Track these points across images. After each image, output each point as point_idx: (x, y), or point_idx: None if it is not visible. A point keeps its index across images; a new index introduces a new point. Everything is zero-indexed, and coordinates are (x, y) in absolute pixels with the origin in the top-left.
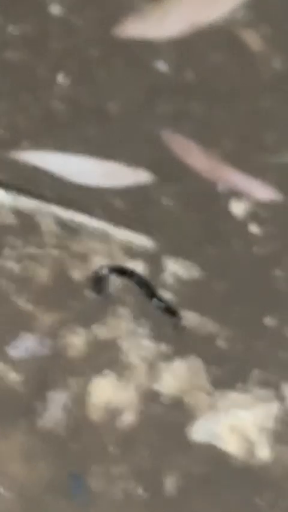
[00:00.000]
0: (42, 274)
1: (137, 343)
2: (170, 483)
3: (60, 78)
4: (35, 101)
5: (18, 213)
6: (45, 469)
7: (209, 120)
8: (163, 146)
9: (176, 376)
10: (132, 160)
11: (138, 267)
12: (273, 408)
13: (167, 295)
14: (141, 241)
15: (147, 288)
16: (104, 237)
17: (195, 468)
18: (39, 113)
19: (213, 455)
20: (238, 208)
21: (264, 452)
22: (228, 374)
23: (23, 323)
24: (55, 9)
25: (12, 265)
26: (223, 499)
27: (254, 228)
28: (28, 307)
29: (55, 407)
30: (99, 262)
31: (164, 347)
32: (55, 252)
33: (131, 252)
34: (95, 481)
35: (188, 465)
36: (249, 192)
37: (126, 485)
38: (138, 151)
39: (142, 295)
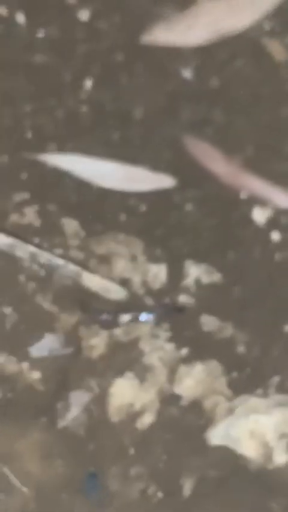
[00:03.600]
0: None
1: (158, 346)
2: (187, 485)
3: (86, 82)
4: (60, 105)
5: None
6: (63, 467)
7: (231, 127)
8: (185, 151)
9: (195, 380)
10: (154, 164)
11: (161, 271)
12: None
13: (187, 298)
14: (114, 290)
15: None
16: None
17: (212, 471)
18: (64, 116)
19: (230, 459)
20: (259, 215)
21: (282, 458)
22: (247, 379)
23: (45, 323)
24: (83, 15)
25: (37, 267)
26: (239, 502)
27: (275, 235)
28: (51, 307)
29: (76, 407)
30: (122, 265)
31: (184, 350)
32: (78, 255)
33: (155, 256)
34: (112, 481)
35: (205, 468)
36: (270, 199)
37: (142, 486)
38: (161, 156)
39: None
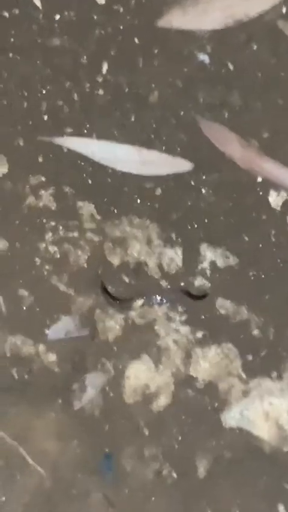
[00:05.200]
0: (82, 258)
1: (173, 329)
2: (201, 466)
3: (102, 65)
4: (76, 88)
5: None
6: (79, 447)
7: (247, 111)
8: (202, 135)
9: (210, 363)
10: (170, 148)
11: (177, 255)
12: None
13: (203, 282)
14: None
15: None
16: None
17: (227, 452)
18: (80, 99)
19: (244, 440)
20: (275, 198)
21: None
22: (262, 362)
23: (61, 306)
24: None
25: (54, 249)
26: (253, 483)
27: None
28: (67, 290)
29: (91, 389)
30: (138, 248)
31: (199, 333)
32: (94, 237)
33: (170, 239)
34: (127, 461)
35: (219, 449)
36: (286, 183)
37: (157, 466)
38: (177, 139)
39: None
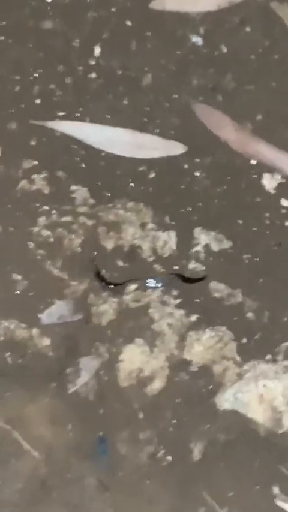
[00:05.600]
0: (75, 242)
1: (167, 313)
2: (196, 449)
3: (95, 48)
4: (69, 71)
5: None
6: (73, 432)
7: (241, 94)
8: (195, 118)
9: (205, 346)
10: (163, 131)
11: (171, 239)
12: None
13: (197, 265)
14: None
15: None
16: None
17: (221, 435)
18: (73, 83)
19: (239, 423)
20: (269, 181)
21: None
22: (256, 345)
23: (55, 290)
24: None
25: (47, 234)
26: (248, 465)
27: (285, 202)
28: (61, 274)
29: (86, 373)
30: (131, 232)
31: (193, 317)
32: (88, 222)
33: (164, 223)
34: (122, 445)
35: (214, 432)
36: (280, 165)
37: (152, 450)
38: (170, 122)
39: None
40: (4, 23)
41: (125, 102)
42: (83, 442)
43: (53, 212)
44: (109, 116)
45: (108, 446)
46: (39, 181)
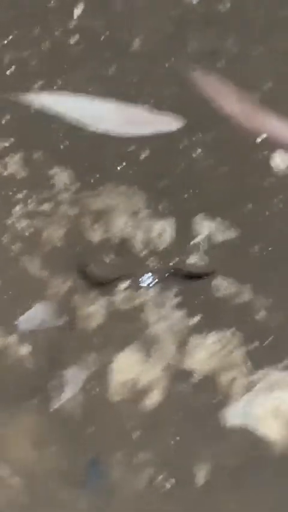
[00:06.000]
0: (56, 234)
1: (165, 315)
2: (201, 473)
3: (75, 8)
4: (46, 35)
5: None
6: (59, 455)
7: (245, 58)
8: (193, 88)
9: (209, 352)
10: (157, 104)
11: (168, 228)
12: None
13: (198, 259)
14: None
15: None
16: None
17: (230, 457)
18: (51, 48)
19: (250, 442)
20: (280, 160)
21: None
22: (269, 350)
23: (34, 291)
24: None
25: (23, 226)
26: (260, 492)
27: None
28: (40, 272)
29: (71, 386)
30: (122, 222)
31: (195, 319)
32: (71, 210)
33: (160, 210)
34: (116, 468)
35: (221, 453)
36: None
37: (150, 474)
38: (165, 93)
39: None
40: None
41: (112, 70)
42: (71, 467)
43: (29, 200)
44: (93, 87)
45: (100, 471)
46: (13, 165)
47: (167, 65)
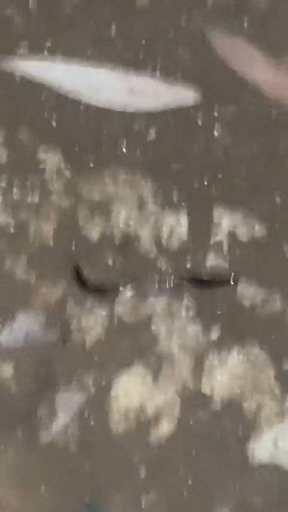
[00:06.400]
0: (46, 230)
1: (178, 327)
2: None
3: None
4: None
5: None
6: (49, 495)
7: (274, 17)
8: (211, 53)
9: (231, 374)
10: (168, 72)
11: (181, 223)
12: None
13: (218, 261)
14: None
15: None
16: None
17: (256, 497)
18: (40, 4)
19: (281, 481)
20: None
21: None
22: None
23: (18, 298)
24: None
25: (6, 220)
26: None
27: None
28: (26, 275)
29: (64, 413)
30: (125, 215)
31: (214, 333)
32: (63, 201)
33: (171, 201)
34: None
35: (246, 493)
36: None
37: None
38: (178, 60)
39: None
40: None
41: (113, 31)
42: (64, 510)
43: (14, 189)
44: (90, 51)
45: None
46: None
47: (179, 25)
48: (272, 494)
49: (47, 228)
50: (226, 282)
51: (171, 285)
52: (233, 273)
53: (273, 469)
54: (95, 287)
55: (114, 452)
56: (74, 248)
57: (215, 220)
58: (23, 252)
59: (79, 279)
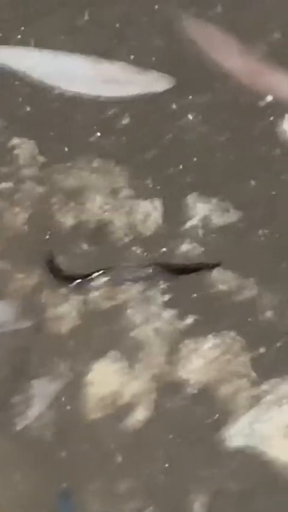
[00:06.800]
0: (19, 218)
1: (152, 314)
2: (197, 503)
3: None
4: None
5: None
6: (24, 483)
7: (248, 4)
8: (185, 39)
9: (206, 359)
10: (140, 59)
11: (154, 210)
12: None
13: (191, 248)
14: None
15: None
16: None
17: (232, 483)
18: None
19: (256, 466)
20: None
21: None
22: (278, 356)
23: None
24: None
25: None
26: None
27: None
28: (1, 263)
29: (40, 402)
30: (98, 203)
31: (188, 320)
32: (36, 189)
33: (145, 188)
34: (93, 500)
35: (221, 479)
36: None
37: (136, 506)
38: (151, 46)
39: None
40: None
41: (86, 17)
42: (39, 498)
43: None
44: (63, 38)
45: (74, 503)
46: None
47: (152, 10)
48: (247, 479)
49: (20, 217)
50: (201, 267)
51: (146, 271)
52: (206, 260)
53: (249, 454)
54: (69, 275)
55: (90, 439)
56: (47, 236)
57: (187, 207)
58: None
59: (53, 267)
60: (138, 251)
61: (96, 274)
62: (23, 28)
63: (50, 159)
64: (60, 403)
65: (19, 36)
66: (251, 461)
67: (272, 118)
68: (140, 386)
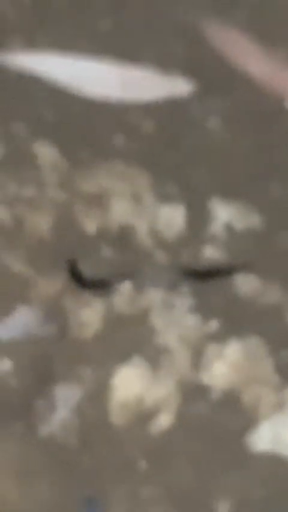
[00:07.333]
0: (43, 224)
1: (176, 319)
2: (221, 509)
3: None
4: None
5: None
6: (49, 490)
7: (270, 7)
8: (206, 44)
9: (230, 364)
10: (163, 64)
11: (177, 215)
12: None
13: (215, 252)
14: None
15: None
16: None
17: (256, 490)
18: (34, 0)
19: (280, 471)
20: None
21: None
22: None
23: (16, 292)
24: None
25: (3, 215)
26: None
27: None
28: (24, 269)
29: (63, 407)
30: (121, 208)
31: (212, 324)
32: (59, 195)
33: (167, 193)
34: (118, 506)
35: (246, 485)
36: None
37: (160, 511)
38: (172, 51)
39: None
40: None
41: (107, 23)
42: (64, 504)
43: (9, 183)
44: (85, 44)
45: (98, 509)
46: None
47: (173, 15)
48: (272, 485)
49: (43, 222)
50: (224, 272)
51: (170, 275)
52: (229, 264)
53: (273, 460)
54: (92, 281)
55: (114, 445)
56: (70, 242)
57: (212, 211)
58: (20, 247)
59: (76, 272)
60: (162, 256)
61: (120, 279)
62: (44, 33)
63: (72, 165)
64: (84, 409)
65: (41, 42)
66: (276, 467)
67: None
68: (164, 392)
